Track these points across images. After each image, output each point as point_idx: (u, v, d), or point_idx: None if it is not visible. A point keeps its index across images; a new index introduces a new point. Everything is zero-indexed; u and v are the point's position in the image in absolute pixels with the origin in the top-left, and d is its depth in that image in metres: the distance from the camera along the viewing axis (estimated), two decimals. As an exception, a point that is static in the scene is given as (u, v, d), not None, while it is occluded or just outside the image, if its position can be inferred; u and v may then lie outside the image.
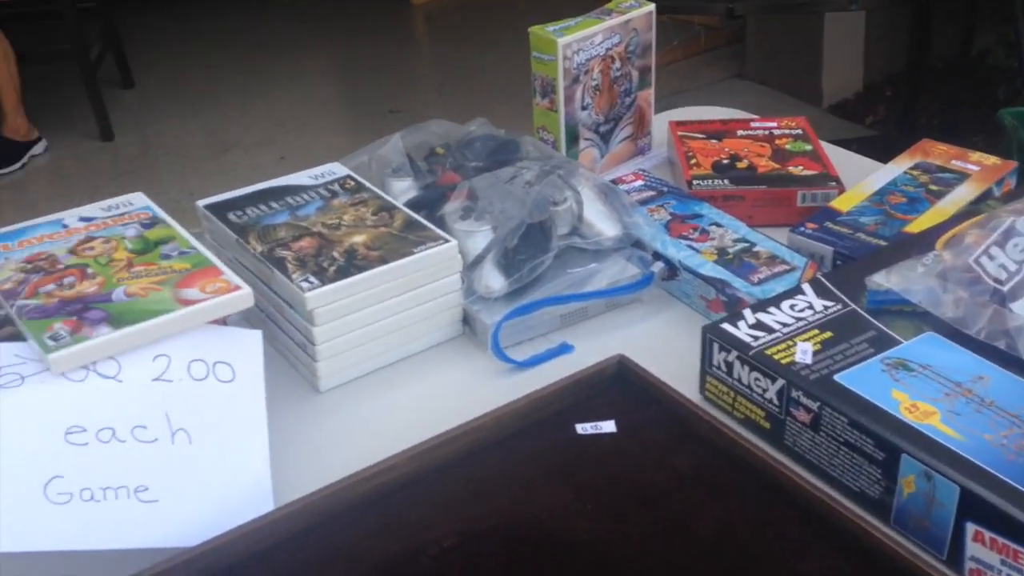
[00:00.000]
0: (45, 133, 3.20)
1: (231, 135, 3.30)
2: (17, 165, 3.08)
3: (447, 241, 0.87)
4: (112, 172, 3.06)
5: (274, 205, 0.93)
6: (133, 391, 0.71)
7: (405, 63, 3.92)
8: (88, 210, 0.85)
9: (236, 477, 0.72)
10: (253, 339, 0.77)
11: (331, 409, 0.85)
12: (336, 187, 0.96)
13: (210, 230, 0.93)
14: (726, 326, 0.78)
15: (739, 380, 0.76)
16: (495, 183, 0.92)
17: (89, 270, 0.78)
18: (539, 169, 0.93)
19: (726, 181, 1.05)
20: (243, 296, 0.77)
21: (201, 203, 0.93)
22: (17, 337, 0.72)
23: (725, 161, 1.10)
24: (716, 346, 0.77)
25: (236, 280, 0.77)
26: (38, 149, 3.16)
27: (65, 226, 0.83)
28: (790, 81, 3.33)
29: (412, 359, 0.90)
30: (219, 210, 0.92)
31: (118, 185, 2.87)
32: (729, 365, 0.77)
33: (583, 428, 0.74)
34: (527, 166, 0.94)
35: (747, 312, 0.79)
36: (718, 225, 0.97)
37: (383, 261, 0.84)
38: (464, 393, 0.86)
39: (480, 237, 0.90)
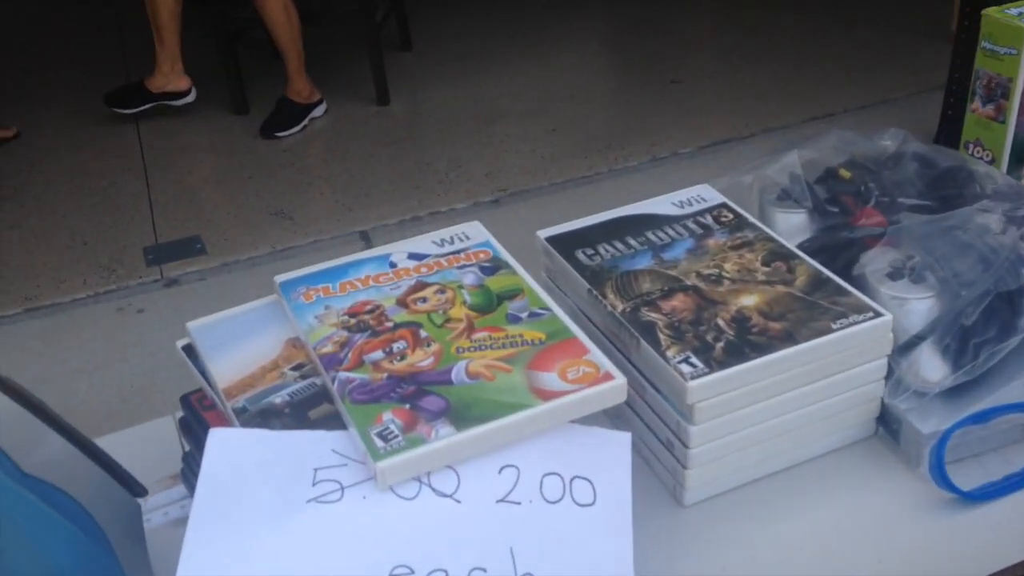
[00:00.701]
0: (324, 95, 3.23)
1: (501, 104, 3.17)
2: (298, 127, 3.13)
3: (879, 315, 0.63)
4: (385, 138, 3.03)
5: (632, 243, 0.72)
6: (473, 517, 0.54)
7: (687, 26, 3.62)
8: (418, 244, 0.69)
9: None
10: (620, 445, 0.58)
11: (697, 530, 0.64)
12: (708, 220, 0.74)
13: (551, 271, 0.74)
14: None
15: None
16: (941, 230, 0.67)
17: (422, 332, 0.61)
18: (1007, 212, 0.67)
19: None
20: (615, 389, 0.57)
21: (542, 234, 0.74)
22: (335, 420, 0.57)
23: None
24: None
25: (606, 364, 0.58)
26: (318, 112, 3.19)
27: (393, 265, 0.67)
28: None
29: (803, 468, 0.67)
30: (565, 245, 0.73)
31: (389, 154, 2.83)
32: None
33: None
34: (988, 207, 0.68)
35: None
36: None
37: (790, 339, 0.62)
38: (878, 524, 0.62)
39: (919, 308, 0.65)
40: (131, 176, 2.74)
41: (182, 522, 0.67)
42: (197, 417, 0.63)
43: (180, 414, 0.75)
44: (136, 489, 0.56)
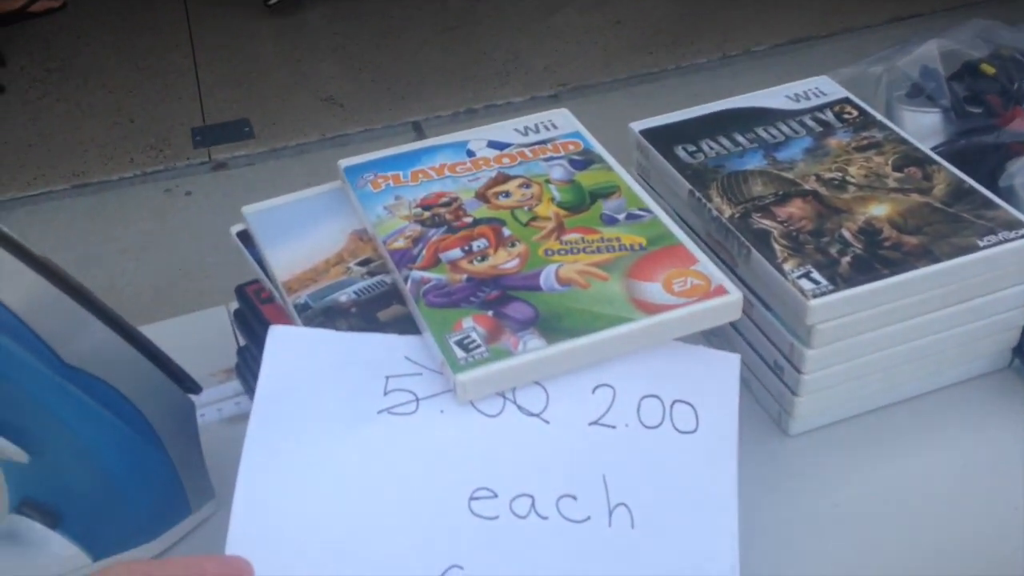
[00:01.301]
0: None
1: (565, -10, 3.01)
2: None
3: (1034, 233, 0.54)
4: (440, 25, 2.90)
5: (740, 140, 0.64)
6: (563, 439, 0.47)
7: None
8: (498, 131, 0.61)
9: (695, 573, 0.48)
10: (728, 367, 0.51)
11: (803, 462, 0.57)
12: (828, 116, 0.65)
13: (644, 167, 0.66)
14: None
15: None
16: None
17: (505, 231, 0.54)
18: None
19: None
20: (729, 305, 0.50)
21: (636, 127, 0.66)
22: (407, 323, 0.50)
23: None
24: None
25: (718, 276, 0.51)
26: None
27: (471, 153, 0.60)
28: None
29: (925, 400, 0.60)
30: (662, 140, 0.65)
31: (444, 42, 2.70)
32: None
33: None
34: None
35: None
36: None
37: (928, 256, 0.53)
38: (1010, 466, 0.55)
39: (1076, 228, 0.57)
40: (179, 54, 2.66)
41: (237, 419, 0.63)
42: (254, 310, 0.57)
43: (235, 305, 0.69)
44: (189, 385, 0.50)
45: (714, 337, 0.63)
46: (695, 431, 0.49)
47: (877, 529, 0.54)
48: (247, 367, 0.61)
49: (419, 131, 2.35)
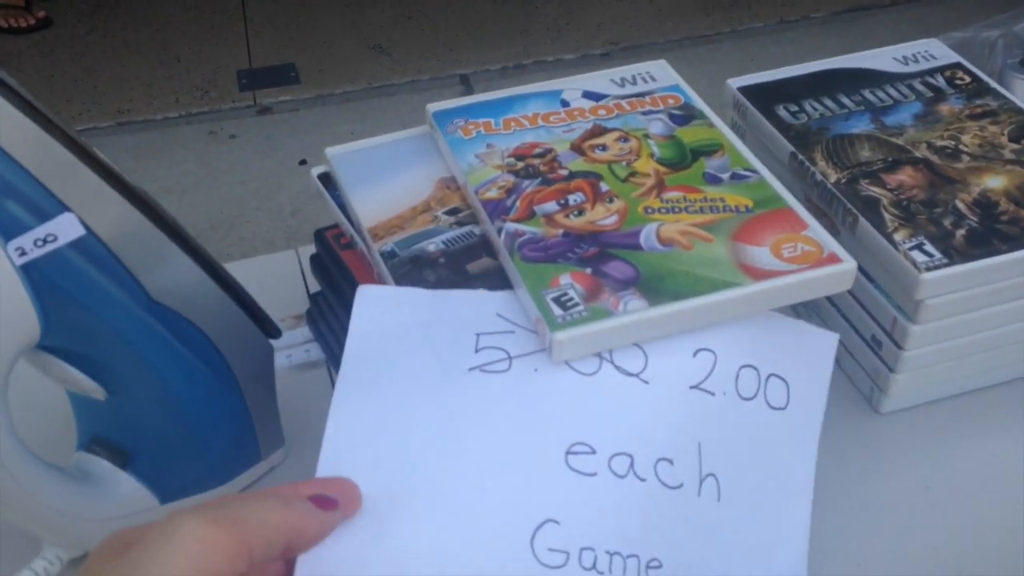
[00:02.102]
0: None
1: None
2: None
3: None
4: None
5: (846, 101, 0.60)
6: (662, 401, 0.45)
7: None
8: (594, 81, 0.58)
9: (762, 563, 0.46)
10: (825, 345, 0.48)
11: (893, 442, 0.55)
12: (939, 81, 0.62)
13: (740, 127, 0.63)
14: None
15: None
16: None
17: (603, 185, 0.51)
18: None
19: None
20: (842, 274, 0.47)
21: (734, 83, 0.63)
22: (496, 277, 0.48)
23: None
24: None
25: (830, 243, 0.48)
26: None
27: (565, 103, 0.57)
28: None
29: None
30: (762, 99, 0.61)
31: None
32: None
33: None
34: None
35: None
36: None
37: (1049, 235, 0.51)
38: None
39: None
40: (227, -6, 2.63)
41: (306, 367, 0.61)
42: (333, 257, 0.55)
43: (304, 250, 0.67)
44: (270, 329, 0.48)
45: (802, 308, 0.60)
46: (785, 408, 0.47)
47: (970, 514, 0.51)
48: (319, 313, 0.59)
49: (466, 84, 2.31)
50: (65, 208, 0.38)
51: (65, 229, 0.38)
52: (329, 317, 0.58)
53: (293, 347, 0.60)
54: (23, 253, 0.37)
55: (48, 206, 0.38)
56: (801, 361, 0.48)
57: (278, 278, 0.66)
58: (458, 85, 2.33)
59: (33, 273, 0.38)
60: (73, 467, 0.49)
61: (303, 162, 2.06)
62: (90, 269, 0.39)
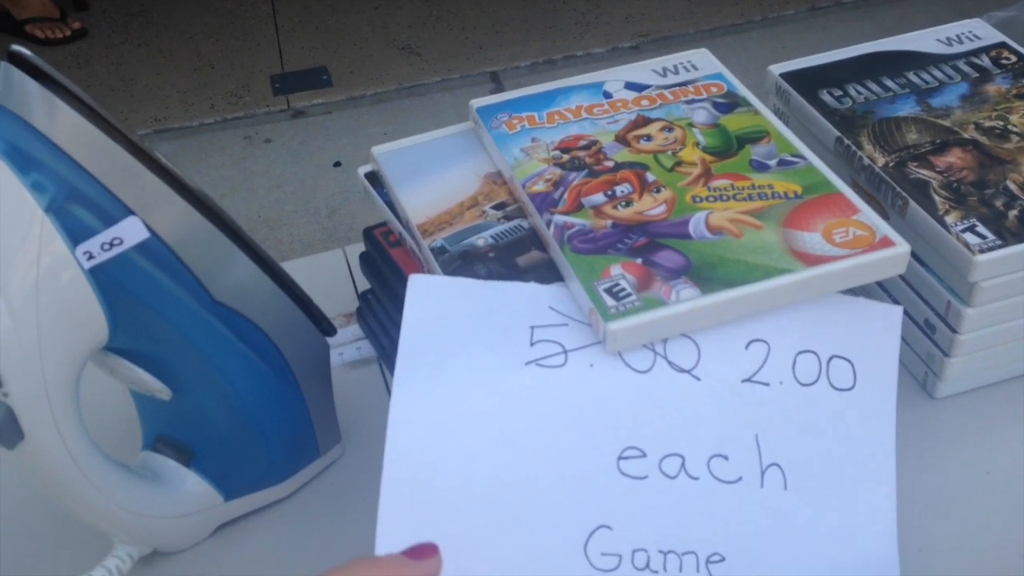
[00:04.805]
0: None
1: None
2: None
3: None
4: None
5: (890, 84, 0.60)
6: (714, 397, 0.45)
7: None
8: (636, 72, 0.58)
9: (848, 545, 0.46)
10: (889, 319, 0.48)
11: (949, 427, 0.55)
12: (985, 61, 0.61)
13: (783, 113, 0.63)
14: None
15: None
16: None
17: (649, 176, 0.52)
18: None
19: None
20: (896, 258, 0.47)
21: (776, 69, 0.63)
22: (546, 269, 0.48)
23: None
24: None
25: (883, 227, 0.48)
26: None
27: (608, 95, 0.57)
28: None
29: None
30: (805, 84, 0.61)
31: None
32: None
33: None
34: None
35: None
36: None
37: (1105, 213, 0.50)
38: None
39: None
40: None
41: (358, 364, 0.62)
42: (383, 253, 0.56)
43: (351, 249, 0.68)
44: (326, 327, 0.49)
45: (852, 293, 0.60)
46: (852, 388, 0.46)
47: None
48: (370, 311, 0.59)
49: (497, 82, 2.31)
50: (129, 212, 0.39)
51: (130, 232, 0.39)
52: (380, 314, 0.59)
53: (344, 345, 0.61)
54: (91, 257, 0.38)
55: (113, 210, 0.39)
56: (866, 338, 0.47)
57: (327, 277, 0.67)
58: (488, 83, 2.33)
59: (101, 276, 0.39)
60: (140, 466, 0.50)
61: (337, 164, 2.08)
62: (155, 271, 0.40)
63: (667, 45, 2.35)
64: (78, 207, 0.38)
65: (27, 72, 0.37)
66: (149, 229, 0.40)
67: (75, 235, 0.38)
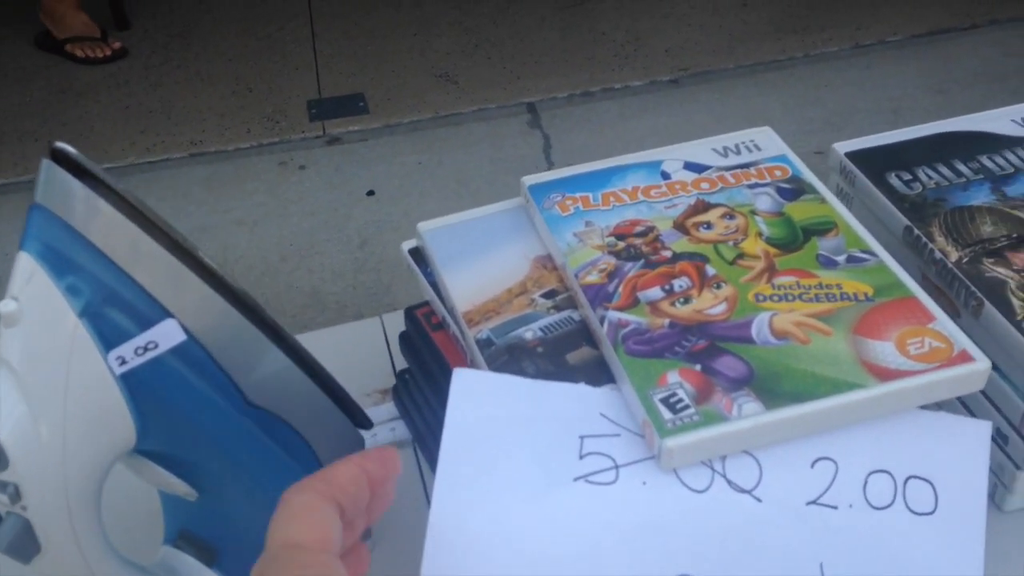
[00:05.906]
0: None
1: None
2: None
3: None
4: (559, 2, 2.83)
5: (962, 169, 0.57)
6: (776, 521, 0.42)
7: None
8: (694, 151, 0.56)
9: None
10: (977, 436, 0.44)
11: (1020, 544, 0.51)
12: (1065, 148, 0.58)
13: (847, 195, 0.60)
14: None
15: None
16: None
17: (709, 269, 0.49)
18: None
19: None
20: (974, 375, 0.43)
21: (841, 148, 0.59)
22: (597, 368, 0.46)
23: None
24: None
25: (961, 339, 0.44)
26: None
27: (666, 175, 0.54)
28: None
29: None
30: (871, 165, 0.58)
31: (562, 20, 2.63)
32: None
33: None
34: None
35: None
36: None
37: None
38: None
39: None
40: (297, 23, 2.66)
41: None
42: (424, 337, 0.53)
43: (388, 318, 0.66)
44: (361, 420, 0.47)
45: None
46: (934, 512, 0.43)
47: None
48: (407, 392, 0.57)
49: (534, 112, 2.30)
50: (167, 314, 0.37)
51: (167, 335, 0.37)
52: (416, 397, 0.56)
53: (378, 424, 0.59)
54: (123, 362, 0.36)
55: (151, 312, 0.37)
56: (948, 457, 0.44)
57: (363, 349, 0.65)
58: (525, 114, 2.32)
59: (132, 381, 0.37)
60: (158, 563, 0.48)
61: (371, 193, 2.07)
62: (189, 374, 0.38)
63: (707, 79, 2.32)
64: (114, 310, 0.36)
65: (69, 169, 0.35)
66: (186, 331, 0.38)
67: (109, 340, 0.36)
